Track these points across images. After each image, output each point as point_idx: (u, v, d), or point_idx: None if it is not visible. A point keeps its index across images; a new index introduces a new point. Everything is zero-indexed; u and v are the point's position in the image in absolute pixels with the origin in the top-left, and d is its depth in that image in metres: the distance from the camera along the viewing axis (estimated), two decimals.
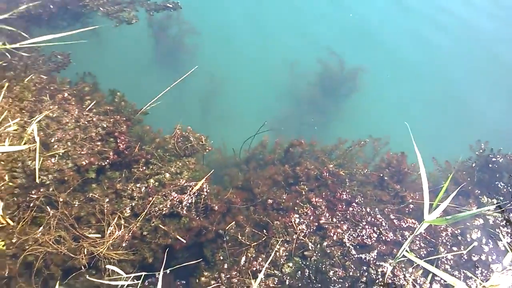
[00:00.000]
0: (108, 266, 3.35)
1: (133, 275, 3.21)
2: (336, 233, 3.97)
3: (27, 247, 3.55)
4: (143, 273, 3.21)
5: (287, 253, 3.83)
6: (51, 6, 5.97)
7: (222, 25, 6.34)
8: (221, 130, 4.95)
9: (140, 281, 3.13)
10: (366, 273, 3.78)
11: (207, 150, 4.54)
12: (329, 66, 6.08)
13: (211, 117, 5.20)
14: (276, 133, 5.01)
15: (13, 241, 3.58)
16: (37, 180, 3.97)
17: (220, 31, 6.24)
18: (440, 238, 4.10)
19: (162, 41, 6.16)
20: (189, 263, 3.64)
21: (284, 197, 4.20)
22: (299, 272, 3.72)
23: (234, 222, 3.96)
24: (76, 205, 3.86)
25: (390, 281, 3.74)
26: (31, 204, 3.82)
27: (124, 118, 4.62)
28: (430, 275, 3.76)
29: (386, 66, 6.25)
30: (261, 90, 5.69)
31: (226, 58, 5.96)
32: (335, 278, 3.69)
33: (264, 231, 3.95)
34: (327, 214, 4.11)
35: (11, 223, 3.69)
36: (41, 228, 3.68)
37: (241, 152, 4.77)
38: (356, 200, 4.25)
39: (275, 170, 4.49)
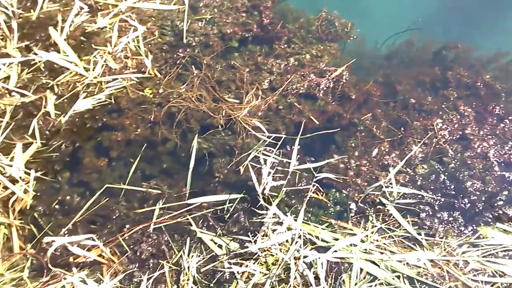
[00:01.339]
0: (254, 121, 3.43)
1: (274, 135, 3.24)
2: (481, 146, 3.63)
3: (171, 99, 3.74)
4: (284, 135, 3.23)
5: (423, 155, 3.60)
6: None
7: None
8: (363, 21, 4.58)
9: (276, 147, 3.16)
10: (507, 192, 3.45)
11: (351, 38, 4.29)
12: None
13: (354, 5, 4.78)
14: (426, 34, 4.52)
15: (160, 91, 3.79)
16: (184, 40, 4.08)
17: None
18: None
19: None
20: (325, 132, 3.58)
21: (429, 100, 3.88)
22: (433, 175, 3.51)
23: (370, 114, 3.78)
24: (218, 69, 3.93)
25: None
26: (177, 62, 3.96)
27: None
28: None
29: None
30: None
31: None
32: (471, 190, 3.43)
33: (402, 129, 3.73)
34: (474, 126, 3.74)
35: (158, 75, 3.88)
36: (185, 85, 3.83)
37: (383, 47, 4.43)
38: (510, 117, 3.80)
39: (422, 70, 4.12)
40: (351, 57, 4.13)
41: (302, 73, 3.92)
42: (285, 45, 4.13)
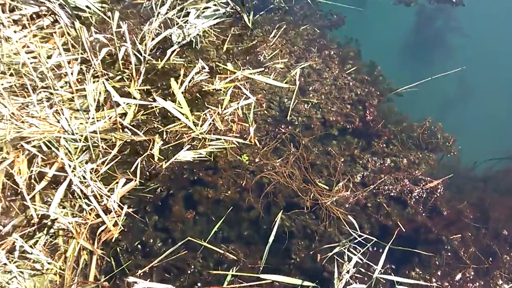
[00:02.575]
0: (350, 218, 3.44)
1: (364, 235, 3.23)
2: None
3: (264, 170, 3.88)
4: (374, 239, 3.21)
5: None
6: None
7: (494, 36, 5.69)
8: (462, 136, 4.54)
9: (364, 248, 3.14)
10: None
11: (451, 153, 4.27)
12: None
13: (457, 119, 4.77)
14: None
15: (256, 160, 3.94)
16: (288, 118, 4.28)
17: (487, 39, 5.62)
18: None
19: (423, 31, 5.90)
20: (418, 252, 3.51)
21: None
22: None
23: (460, 236, 3.67)
24: (314, 152, 4.05)
25: None
26: (278, 136, 4.14)
27: (378, 92, 4.63)
28: None
29: None
30: None
31: (482, 64, 5.31)
32: None
33: (490, 259, 3.57)
34: None
35: (258, 144, 4.06)
36: (280, 159, 3.97)
37: (480, 168, 4.35)
38: None
39: None
40: (446, 170, 4.10)
41: (396, 176, 3.94)
42: (384, 145, 4.20)
